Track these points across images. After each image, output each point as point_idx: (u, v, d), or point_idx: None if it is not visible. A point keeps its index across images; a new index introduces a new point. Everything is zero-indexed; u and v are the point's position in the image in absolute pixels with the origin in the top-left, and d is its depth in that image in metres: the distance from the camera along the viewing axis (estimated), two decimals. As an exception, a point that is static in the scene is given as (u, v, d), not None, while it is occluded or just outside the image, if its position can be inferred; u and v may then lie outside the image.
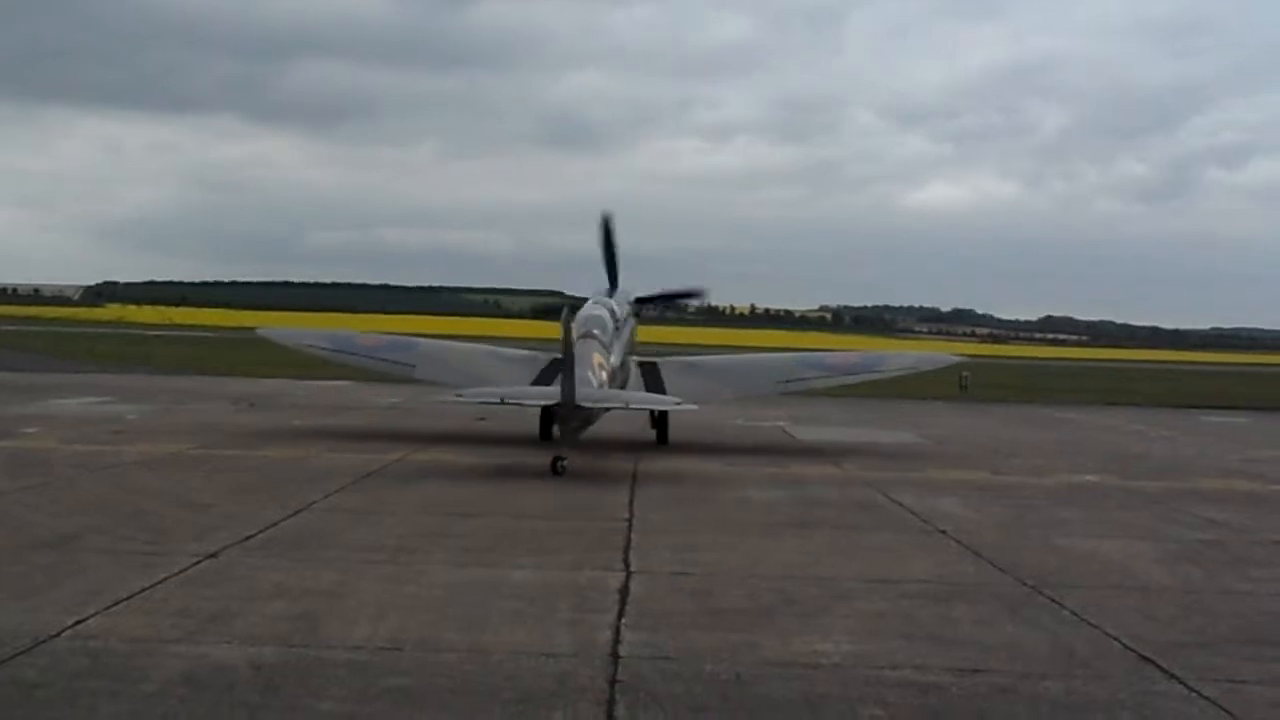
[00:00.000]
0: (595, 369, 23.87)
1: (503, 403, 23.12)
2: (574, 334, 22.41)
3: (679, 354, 33.88)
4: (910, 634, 10.46)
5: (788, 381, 30.00)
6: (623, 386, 26.34)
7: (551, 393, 22.54)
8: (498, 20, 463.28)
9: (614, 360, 25.92)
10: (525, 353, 29.89)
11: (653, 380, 27.60)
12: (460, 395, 23.51)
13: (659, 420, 27.79)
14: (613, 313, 27.46)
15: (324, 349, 32.53)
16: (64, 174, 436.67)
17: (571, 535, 14.87)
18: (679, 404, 24.36)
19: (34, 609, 10.28)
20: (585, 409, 21.89)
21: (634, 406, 24.70)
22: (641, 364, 28.79)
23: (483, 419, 31.85)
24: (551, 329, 25.78)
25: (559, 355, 22.96)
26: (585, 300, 28.35)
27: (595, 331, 25.53)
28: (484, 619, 10.44)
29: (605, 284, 30.22)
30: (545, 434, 26.83)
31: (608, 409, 23.53)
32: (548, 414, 26.21)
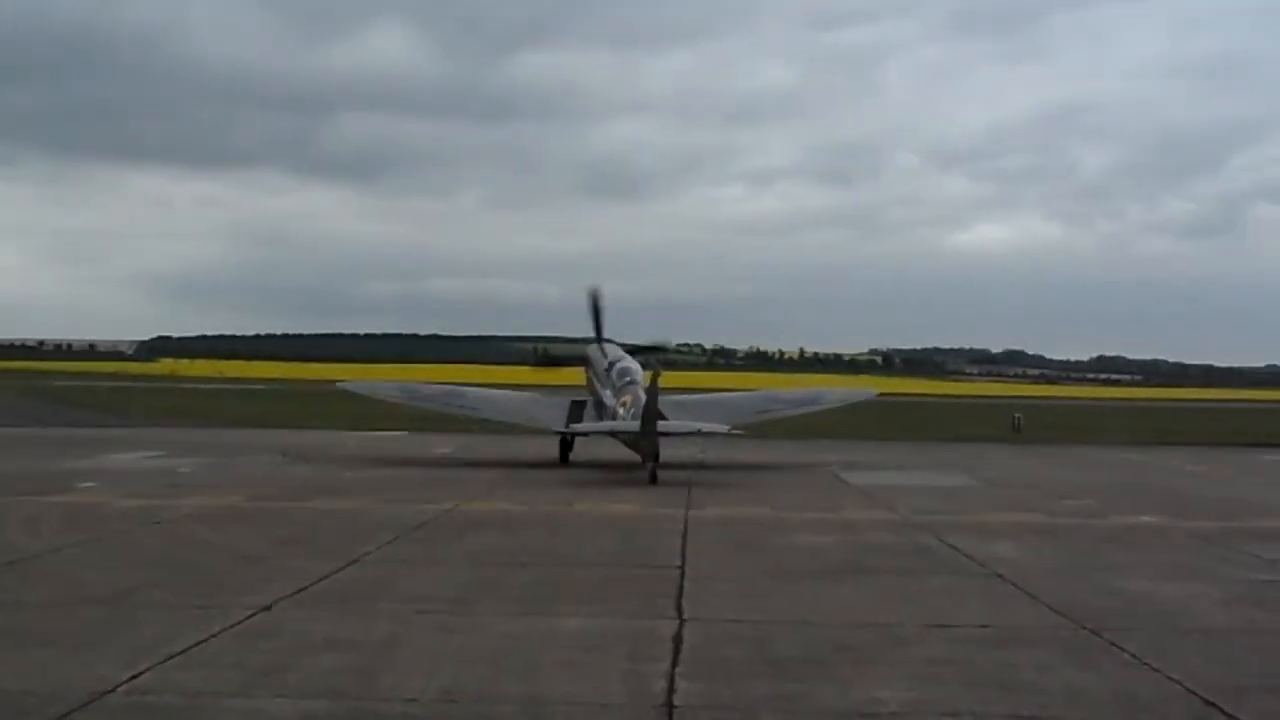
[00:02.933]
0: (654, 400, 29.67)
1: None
2: (624, 377, 32.42)
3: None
4: (969, 680, 10.32)
5: (760, 412, 38.96)
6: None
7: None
8: (537, 72, 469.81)
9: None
10: (549, 396, 37.59)
11: (660, 414, 30.75)
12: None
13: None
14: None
15: (398, 398, 39.77)
16: (114, 230, 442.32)
17: (624, 584, 14.80)
18: (724, 428, 33.48)
19: (89, 664, 10.32)
20: (658, 434, 29.32)
21: (687, 430, 32.31)
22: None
23: (534, 465, 32.23)
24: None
25: (576, 398, 35.65)
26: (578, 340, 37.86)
27: (639, 378, 32.52)
28: (538, 669, 10.39)
29: (591, 331, 37.45)
30: (563, 458, 34.23)
31: (681, 433, 31.93)
32: (565, 442, 34.32)
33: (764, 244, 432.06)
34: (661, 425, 29.68)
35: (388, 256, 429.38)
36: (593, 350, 36.86)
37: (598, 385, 35.35)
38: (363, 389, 42.77)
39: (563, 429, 33.92)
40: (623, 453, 31.74)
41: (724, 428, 33.46)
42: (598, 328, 37.35)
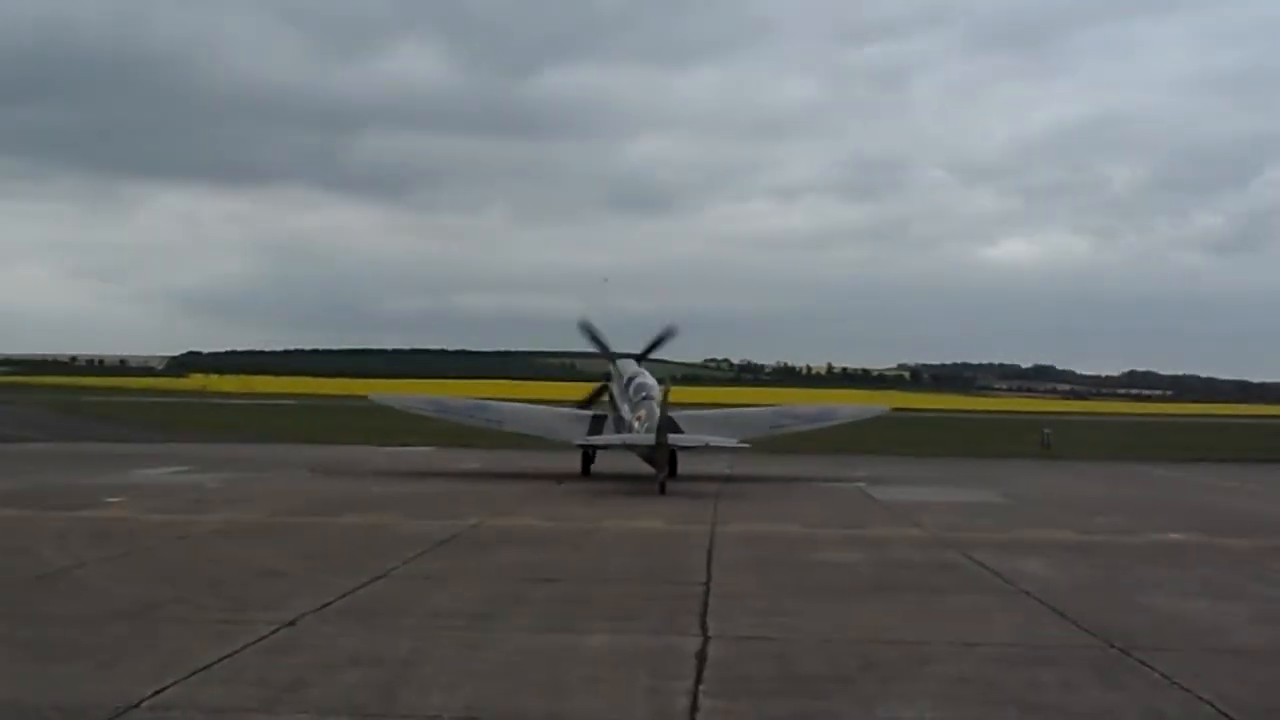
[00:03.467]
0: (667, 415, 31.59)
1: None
2: (640, 392, 34.65)
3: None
4: (995, 700, 10.24)
5: (773, 427, 39.83)
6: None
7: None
8: (564, 88, 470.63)
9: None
10: (572, 410, 39.04)
11: (675, 427, 32.97)
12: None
13: (673, 456, 33.32)
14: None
15: (427, 410, 41.93)
16: (144, 247, 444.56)
17: (648, 600, 14.75)
18: (733, 442, 35.07)
19: (114, 679, 10.34)
20: (675, 445, 32.08)
21: (697, 443, 34.38)
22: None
23: (561, 482, 32.37)
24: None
25: (597, 413, 37.50)
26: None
27: (655, 394, 33.90)
28: (561, 686, 10.36)
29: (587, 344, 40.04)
30: (585, 470, 35.78)
31: (691, 446, 34.14)
32: (586, 455, 35.97)
33: (791, 259, 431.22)
34: (673, 439, 31.85)
35: (415, 272, 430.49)
36: (618, 366, 38.44)
37: (617, 400, 37.01)
38: (393, 402, 44.27)
39: (583, 442, 35.68)
40: (645, 467, 32.48)
41: (733, 441, 35.17)
42: (604, 348, 39.58)
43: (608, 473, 35.26)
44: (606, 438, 35.20)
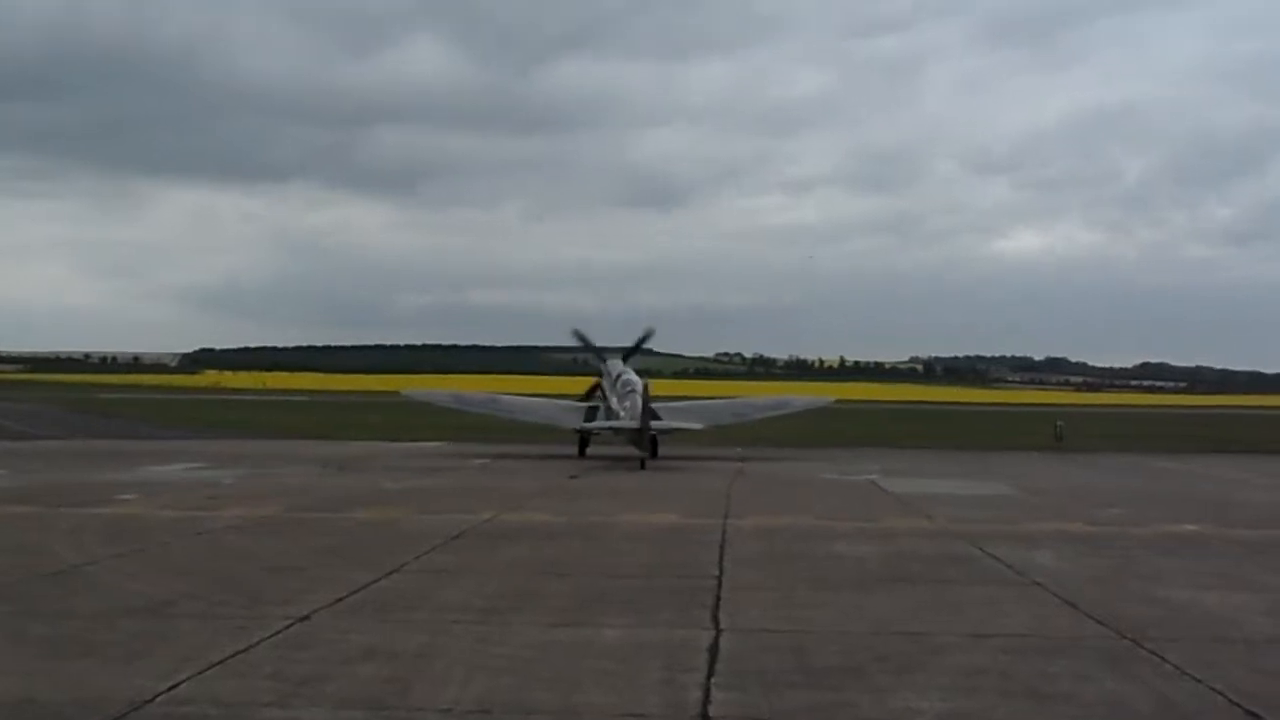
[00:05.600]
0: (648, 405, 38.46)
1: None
2: (626, 387, 41.24)
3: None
4: (1007, 690, 10.24)
5: (735, 415, 47.93)
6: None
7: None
8: (575, 83, 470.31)
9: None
10: (570, 402, 47.17)
11: (654, 415, 39.63)
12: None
13: (654, 442, 39.38)
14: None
15: (449, 403, 49.93)
16: (156, 244, 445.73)
17: (660, 594, 14.76)
18: (699, 426, 42.63)
19: (128, 674, 10.38)
20: (653, 429, 38.68)
21: (671, 427, 41.17)
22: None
23: (574, 476, 32.51)
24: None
25: (590, 404, 44.82)
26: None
27: (638, 388, 39.55)
28: (573, 680, 10.38)
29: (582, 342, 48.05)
30: (581, 452, 42.04)
31: (665, 430, 40.52)
32: (582, 439, 42.76)
33: (803, 252, 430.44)
34: (653, 424, 38.69)
35: (428, 268, 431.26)
36: (608, 364, 45.59)
37: (607, 393, 43.95)
38: (421, 396, 53.98)
39: (579, 427, 43.19)
40: (632, 450, 38.62)
41: (699, 426, 42.80)
42: (596, 350, 47.31)
43: (601, 454, 41.37)
44: (599, 424, 42.12)
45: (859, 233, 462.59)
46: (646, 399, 38.03)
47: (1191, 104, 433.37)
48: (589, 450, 42.44)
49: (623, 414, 40.33)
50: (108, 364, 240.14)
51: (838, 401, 62.11)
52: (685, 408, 46.35)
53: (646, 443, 37.82)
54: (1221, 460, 45.87)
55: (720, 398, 56.44)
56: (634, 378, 42.09)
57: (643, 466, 36.32)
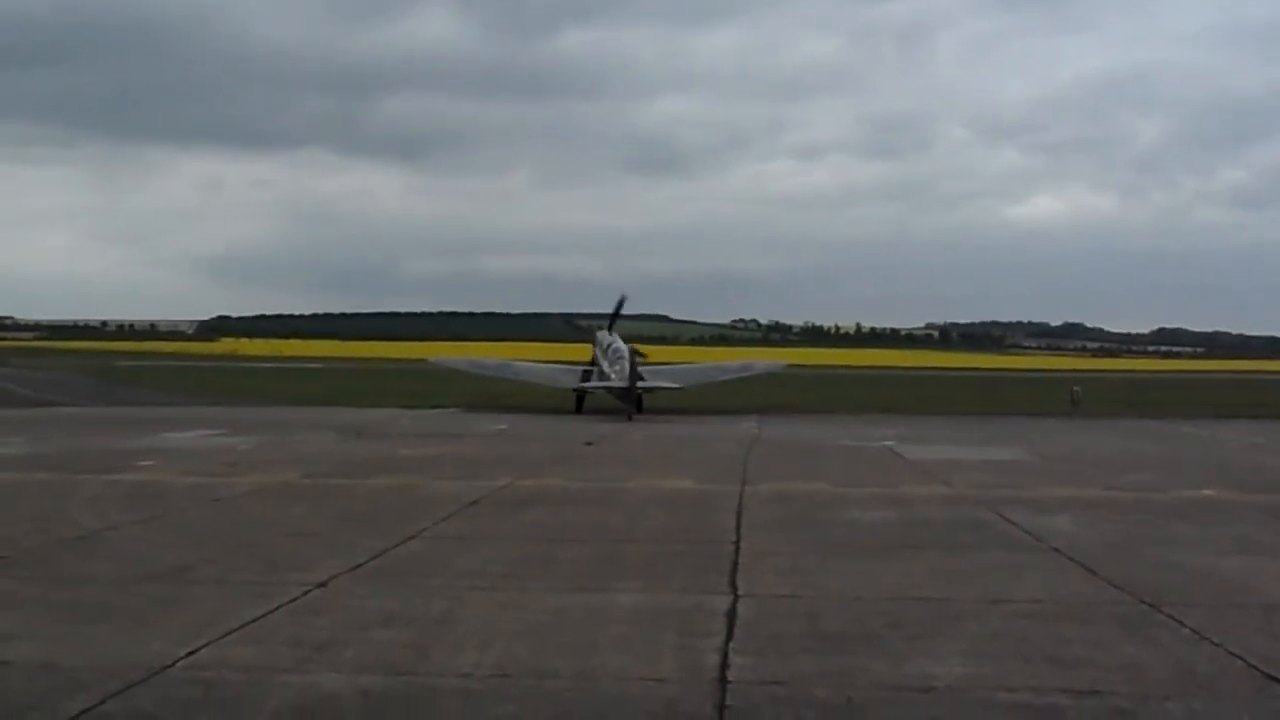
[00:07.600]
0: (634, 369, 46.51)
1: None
2: (616, 353, 49.14)
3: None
4: (1025, 655, 10.23)
5: (707, 376, 56.13)
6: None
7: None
8: (584, 49, 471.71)
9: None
10: (569, 366, 53.86)
11: (640, 377, 46.89)
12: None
13: (639, 399, 47.04)
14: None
15: (467, 369, 59.15)
16: (170, 211, 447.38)
17: (678, 559, 14.78)
18: (673, 385, 50.58)
19: (148, 640, 10.42)
20: (639, 388, 46.62)
21: (653, 386, 48.64)
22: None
23: (590, 443, 32.51)
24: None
25: (586, 367, 51.91)
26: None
27: (625, 354, 47.75)
28: (591, 645, 10.40)
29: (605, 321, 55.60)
30: (578, 409, 49.11)
31: (649, 388, 48.06)
32: (580, 397, 49.93)
33: (816, 218, 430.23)
34: (639, 384, 46.48)
35: (438, 235, 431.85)
36: (598, 335, 53.65)
37: (599, 359, 51.20)
38: (444, 363, 63.03)
39: (576, 386, 50.54)
40: (619, 407, 46.67)
41: (676, 385, 50.88)
42: (611, 321, 54.51)
43: (594, 410, 48.72)
44: (593, 384, 49.86)
45: (871, 199, 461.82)
46: (633, 363, 46.30)
47: (1204, 67, 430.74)
48: (585, 406, 49.72)
49: (613, 376, 48.25)
50: (124, 331, 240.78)
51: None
52: (665, 370, 54.49)
53: (633, 399, 45.93)
54: (1240, 425, 45.71)
55: (695, 363, 66.01)
56: (622, 345, 50.00)
57: (629, 419, 43.53)
